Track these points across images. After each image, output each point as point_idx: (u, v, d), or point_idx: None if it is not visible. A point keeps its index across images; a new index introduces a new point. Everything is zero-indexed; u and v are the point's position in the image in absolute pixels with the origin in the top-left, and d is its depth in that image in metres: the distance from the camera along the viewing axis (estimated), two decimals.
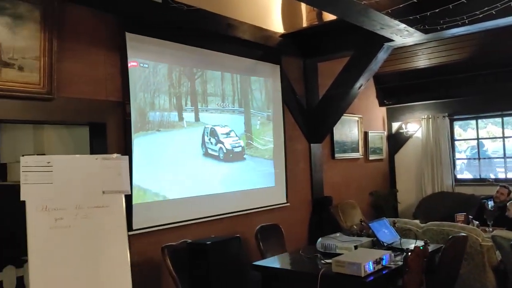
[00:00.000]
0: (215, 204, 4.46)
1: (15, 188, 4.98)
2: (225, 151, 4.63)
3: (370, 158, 7.16)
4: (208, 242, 3.48)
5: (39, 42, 3.19)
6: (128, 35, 3.79)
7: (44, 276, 2.81)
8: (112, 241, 3.10)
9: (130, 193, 3.35)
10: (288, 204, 5.32)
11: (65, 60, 3.41)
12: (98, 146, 3.76)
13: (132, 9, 3.78)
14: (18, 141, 5.01)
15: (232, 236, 3.82)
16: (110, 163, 3.23)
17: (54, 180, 3.00)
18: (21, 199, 2.87)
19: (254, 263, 3.55)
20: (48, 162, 3.01)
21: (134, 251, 3.35)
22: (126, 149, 3.72)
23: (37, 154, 4.68)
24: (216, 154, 4.54)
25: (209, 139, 4.48)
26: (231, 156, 4.70)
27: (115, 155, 3.29)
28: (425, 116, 7.18)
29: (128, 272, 3.08)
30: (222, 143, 4.62)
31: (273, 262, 3.60)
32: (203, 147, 4.42)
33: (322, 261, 3.36)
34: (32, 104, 3.27)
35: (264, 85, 5.19)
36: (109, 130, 3.76)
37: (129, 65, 3.79)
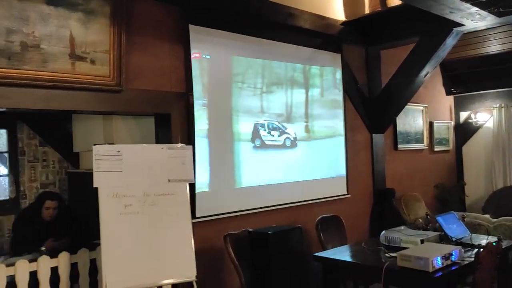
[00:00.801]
0: (276, 194, 4.47)
1: (87, 176, 5.30)
2: (285, 141, 4.62)
3: (436, 149, 6.85)
4: (269, 232, 3.49)
5: (109, 36, 3.33)
6: (191, 27, 3.86)
7: (114, 258, 2.96)
8: (177, 228, 3.21)
9: (194, 181, 3.44)
10: (349, 195, 5.23)
11: (133, 53, 3.54)
12: (163, 136, 3.89)
13: (195, 0, 3.85)
14: (89, 131, 5.29)
15: (293, 226, 3.81)
16: (175, 152, 3.34)
17: (124, 168, 3.14)
18: (94, 185, 3.02)
19: (316, 254, 3.53)
20: (118, 151, 3.15)
21: (197, 238, 3.44)
22: (189, 139, 3.82)
23: (107, 144, 4.93)
24: (277, 143, 4.54)
25: (269, 132, 4.48)
26: (291, 145, 4.68)
27: (179, 144, 3.39)
28: (497, 105, 6.75)
29: (193, 258, 3.18)
30: (284, 133, 4.61)
31: (335, 253, 3.56)
32: (259, 138, 4.42)
33: (386, 255, 3.28)
34: (103, 95, 3.42)
35: (324, 74, 5.11)
36: (174, 120, 3.86)
37: (192, 56, 3.87)
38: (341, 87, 5.23)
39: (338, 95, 5.21)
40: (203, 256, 3.60)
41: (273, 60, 4.58)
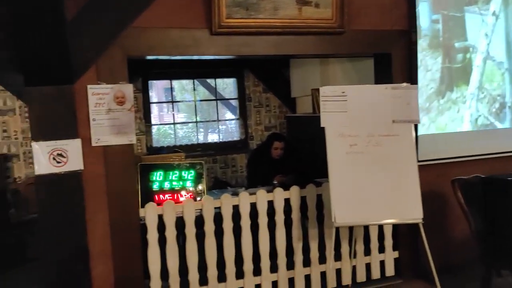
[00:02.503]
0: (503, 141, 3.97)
1: (303, 119, 5.62)
2: None
3: None
4: (509, 178, 3.14)
5: None
6: None
7: (341, 195, 3.11)
8: (402, 169, 3.16)
9: (419, 122, 3.29)
10: None
11: None
12: (382, 76, 3.79)
13: None
14: (306, 77, 5.56)
15: None
16: (399, 92, 3.23)
17: (348, 108, 3.20)
18: (321, 125, 3.17)
19: None
20: (343, 92, 3.22)
21: (420, 181, 3.32)
22: (411, 79, 3.63)
23: None
24: None
25: None
26: None
27: (404, 84, 3.26)
28: None
29: (419, 200, 3.10)
30: None
31: None
32: None
33: None
34: (326, 38, 3.50)
35: None
36: (394, 60, 3.72)
37: None
38: None
39: None
40: (425, 200, 3.48)
41: None
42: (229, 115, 6.85)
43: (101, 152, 2.99)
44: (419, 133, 3.67)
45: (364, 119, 3.19)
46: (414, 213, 3.10)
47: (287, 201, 3.49)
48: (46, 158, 2.85)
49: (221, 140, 6.25)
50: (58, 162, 2.88)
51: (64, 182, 2.88)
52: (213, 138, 8.03)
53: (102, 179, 2.99)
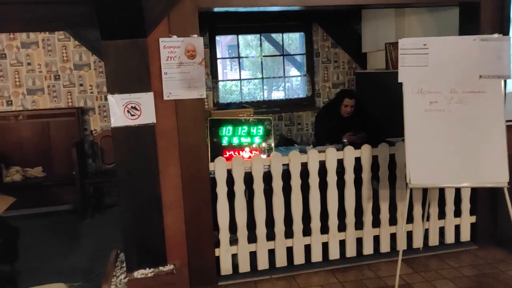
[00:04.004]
0: None
1: (374, 76, 5.35)
2: None
3: None
4: None
5: None
6: None
7: (417, 155, 2.93)
8: (487, 129, 2.91)
9: (510, 78, 2.99)
10: None
11: None
12: (468, 28, 3.47)
13: None
14: (378, 31, 5.24)
15: None
16: (489, 44, 2.93)
17: (430, 62, 2.96)
18: (399, 81, 2.98)
19: None
20: (424, 44, 2.97)
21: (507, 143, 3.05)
22: (502, 31, 3.28)
23: None
24: None
25: None
26: None
27: (496, 35, 2.95)
28: None
29: (505, 163, 2.87)
30: None
31: None
32: None
33: None
34: None
35: None
36: (483, 9, 3.37)
37: None
38: None
39: None
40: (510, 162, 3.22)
41: None
42: (294, 72, 6.70)
43: (173, 106, 3.02)
44: (507, 90, 3.35)
45: (447, 74, 2.95)
46: (498, 176, 2.87)
47: (357, 160, 3.38)
48: (121, 110, 2.92)
49: (286, 97, 6.15)
50: (132, 115, 2.95)
51: (138, 134, 2.96)
52: (277, 95, 7.95)
53: (173, 132, 3.04)
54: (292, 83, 6.84)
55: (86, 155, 5.27)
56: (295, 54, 6.39)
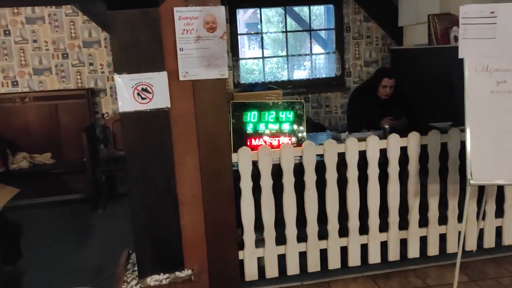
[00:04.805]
0: None
1: (412, 53, 4.81)
2: None
3: None
4: None
5: None
6: None
7: (482, 145, 2.46)
8: None
9: None
10: None
11: None
12: None
13: None
14: (419, 1, 4.66)
15: None
16: None
17: (497, 34, 2.46)
18: (459, 56, 2.48)
19: None
20: (492, 12, 2.46)
21: None
22: None
23: (445, 13, 4.23)
24: None
25: None
26: None
27: None
28: None
29: None
30: None
31: None
32: None
33: None
34: None
35: None
36: None
37: None
38: None
39: None
40: None
41: None
42: (318, 49, 6.17)
43: (190, 88, 2.58)
44: None
45: None
46: None
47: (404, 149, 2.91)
48: (130, 93, 2.50)
49: (313, 76, 5.64)
50: (143, 98, 2.53)
51: (150, 120, 2.55)
52: (300, 75, 7.44)
53: (191, 118, 2.61)
54: (317, 62, 6.33)
55: (98, 140, 4.91)
56: (323, 29, 5.85)
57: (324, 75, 5.63)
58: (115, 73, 2.48)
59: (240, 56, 5.37)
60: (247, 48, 10.81)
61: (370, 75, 5.37)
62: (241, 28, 8.60)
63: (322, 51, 5.88)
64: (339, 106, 5.39)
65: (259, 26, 5.55)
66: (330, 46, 5.53)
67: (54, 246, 3.66)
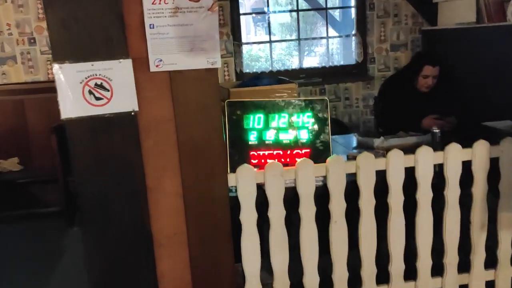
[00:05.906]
0: None
1: (448, 34, 3.99)
2: None
3: None
4: None
5: None
6: None
7: None
8: None
9: None
10: None
11: None
12: None
13: None
14: None
15: None
16: None
17: None
18: None
19: None
20: None
21: None
22: None
23: None
24: None
25: None
26: None
27: None
28: None
29: None
30: None
31: None
32: None
33: None
34: None
35: None
36: None
37: None
38: None
39: None
40: None
41: None
42: (331, 33, 5.31)
43: (166, 82, 1.81)
44: None
45: None
46: None
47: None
48: (78, 91, 1.73)
49: (330, 64, 4.81)
50: (98, 98, 1.75)
51: (110, 129, 1.78)
52: (311, 62, 6.62)
53: (168, 125, 1.84)
54: (329, 48, 5.49)
55: None
56: (342, 7, 4.99)
57: (342, 62, 4.80)
58: (53, 62, 1.69)
59: (243, 41, 4.55)
60: (253, 35, 9.95)
61: (397, 61, 4.55)
62: (245, 9, 7.74)
63: (336, 35, 5.05)
64: (360, 99, 4.58)
65: (265, 9, 4.72)
66: (345, 29, 4.69)
67: (16, 272, 3.04)
